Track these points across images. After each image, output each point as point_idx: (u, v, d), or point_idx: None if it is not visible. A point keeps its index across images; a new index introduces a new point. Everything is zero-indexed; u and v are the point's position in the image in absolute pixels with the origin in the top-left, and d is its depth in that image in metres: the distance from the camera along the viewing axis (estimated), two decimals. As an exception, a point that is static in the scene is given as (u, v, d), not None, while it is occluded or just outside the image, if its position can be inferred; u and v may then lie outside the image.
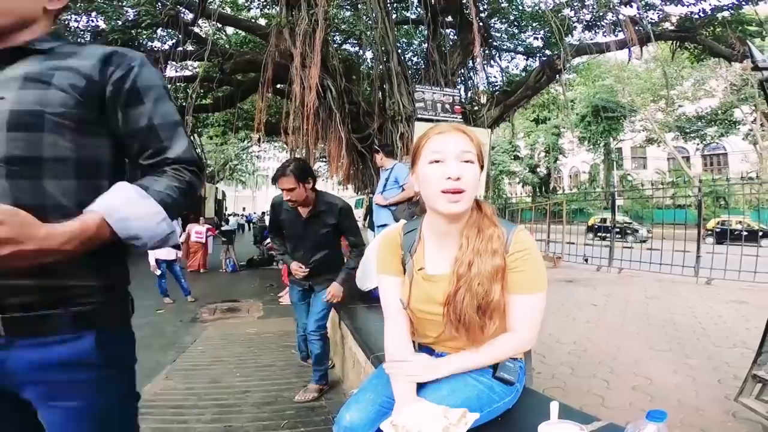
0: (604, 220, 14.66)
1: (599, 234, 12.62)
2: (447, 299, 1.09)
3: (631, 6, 8.45)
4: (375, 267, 1.34)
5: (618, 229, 9.49)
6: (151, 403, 2.91)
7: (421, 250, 1.21)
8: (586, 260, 9.28)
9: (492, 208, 1.17)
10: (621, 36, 8.68)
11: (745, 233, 8.75)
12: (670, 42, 9.85)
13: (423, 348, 1.27)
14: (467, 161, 1.07)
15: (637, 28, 8.11)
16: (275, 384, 3.22)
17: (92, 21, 8.77)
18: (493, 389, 1.14)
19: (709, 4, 8.16)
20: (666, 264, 7.30)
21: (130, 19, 8.46)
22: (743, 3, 7.87)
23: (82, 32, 8.72)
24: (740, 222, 13.48)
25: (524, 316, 1.12)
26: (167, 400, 2.99)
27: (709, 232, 14.27)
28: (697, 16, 8.40)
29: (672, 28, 9.08)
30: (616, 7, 8.20)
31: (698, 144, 23.71)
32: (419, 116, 8.61)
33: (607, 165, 28.79)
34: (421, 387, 1.13)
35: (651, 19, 8.99)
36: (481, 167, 1.11)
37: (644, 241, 11.61)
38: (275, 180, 2.60)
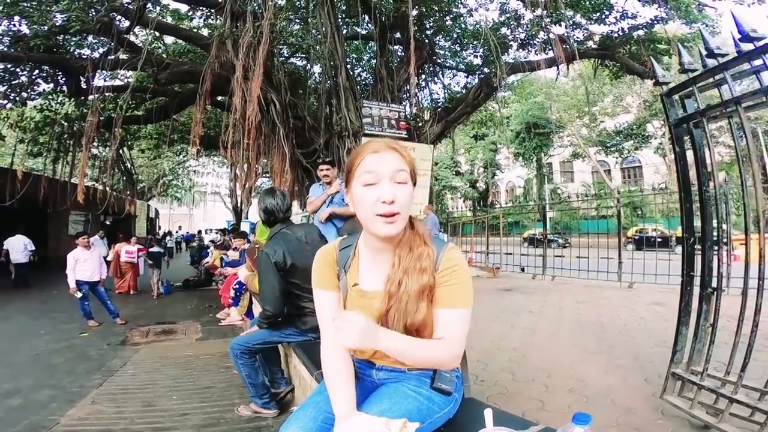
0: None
1: (533, 245, 13.42)
2: (379, 317, 1.10)
3: (560, 25, 9.15)
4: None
5: (546, 240, 10.12)
6: (75, 428, 2.68)
7: (356, 266, 1.21)
8: (523, 269, 9.78)
9: (424, 227, 1.19)
10: (551, 54, 9.35)
11: (659, 240, 9.67)
12: (593, 60, 10.78)
13: (362, 362, 1.26)
14: (401, 182, 1.07)
15: (564, 46, 8.79)
16: (216, 406, 3.04)
17: (14, 25, 8.02)
18: (432, 400, 1.16)
19: (627, 24, 9.02)
20: (593, 270, 7.88)
21: (57, 24, 7.83)
22: (655, 22, 8.74)
23: (0, 37, 7.95)
24: (655, 230, 14.87)
25: (452, 330, 1.12)
26: (94, 425, 2.74)
27: (630, 240, 15.66)
28: (616, 35, 9.26)
29: (594, 46, 9.93)
30: (547, 26, 8.84)
31: (617, 158, 25.99)
32: (366, 131, 8.71)
33: (539, 179, 30.69)
34: (361, 401, 1.14)
35: (577, 37, 9.80)
36: (414, 183, 1.12)
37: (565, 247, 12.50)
38: None
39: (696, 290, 2.33)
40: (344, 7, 9.63)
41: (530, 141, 26.65)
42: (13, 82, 9.24)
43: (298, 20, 10.20)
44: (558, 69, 9.75)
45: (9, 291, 9.56)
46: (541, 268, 9.20)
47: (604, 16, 8.87)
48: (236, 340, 2.75)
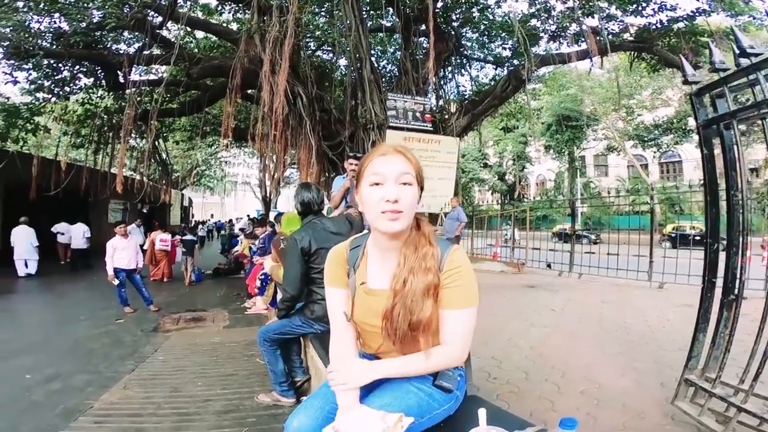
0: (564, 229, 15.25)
1: (562, 240, 13.10)
2: (384, 314, 1.15)
3: (593, 17, 8.82)
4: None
5: (574, 235, 9.85)
6: (107, 412, 2.85)
7: (364, 265, 1.26)
8: (549, 266, 9.60)
9: (431, 227, 1.23)
10: (584, 46, 9.04)
11: (696, 238, 9.25)
12: (629, 53, 10.34)
13: (369, 356, 1.32)
14: (406, 183, 1.12)
15: (598, 38, 8.48)
16: (237, 392, 3.18)
17: (54, 22, 8.45)
18: (433, 396, 1.21)
19: (666, 16, 8.57)
20: (622, 269, 7.63)
21: (94, 21, 8.20)
22: (697, 14, 8.30)
23: (43, 34, 8.39)
24: (693, 227, 14.24)
25: (456, 331, 1.16)
26: (124, 409, 2.92)
27: (666, 237, 15.06)
28: (654, 27, 8.82)
29: (631, 38, 9.52)
30: (580, 18, 8.54)
31: (655, 152, 24.87)
32: (391, 124, 8.72)
33: (571, 173, 29.80)
34: (365, 395, 1.19)
35: (612, 29, 9.40)
36: (421, 187, 1.18)
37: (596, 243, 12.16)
38: None
39: (717, 296, 2.26)
40: (368, 0, 9.57)
41: (562, 134, 25.86)
42: (56, 77, 9.75)
43: (323, 13, 10.24)
44: (591, 61, 9.41)
45: (60, 276, 10.19)
46: (568, 265, 8.99)
47: (640, 8, 8.45)
48: (262, 327, 2.91)
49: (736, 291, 2.13)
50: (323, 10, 10.10)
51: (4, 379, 3.46)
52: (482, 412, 1.03)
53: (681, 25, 8.50)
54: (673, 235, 14.29)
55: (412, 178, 1.14)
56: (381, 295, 1.18)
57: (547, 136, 27.25)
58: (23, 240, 9.99)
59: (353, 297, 1.24)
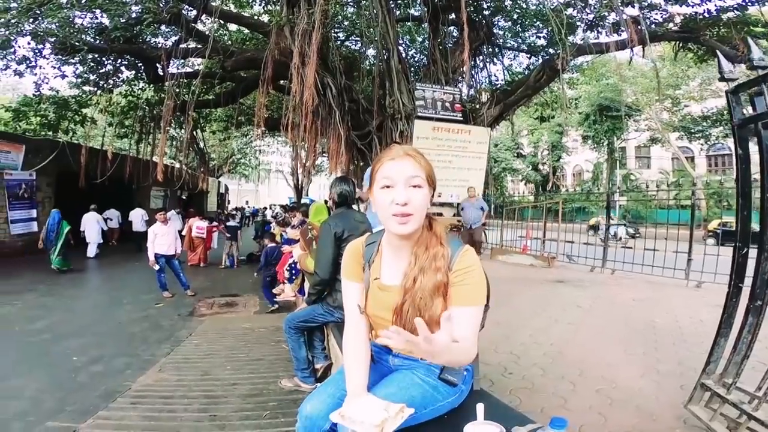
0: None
1: (599, 233, 12.65)
2: (395, 310, 1.20)
3: (633, 6, 8.41)
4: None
5: (607, 229, 9.48)
6: (143, 393, 3.06)
7: (378, 261, 1.31)
8: (570, 258, 9.36)
9: (443, 227, 1.26)
10: (624, 36, 8.64)
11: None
12: (673, 42, 9.79)
13: (381, 348, 1.38)
14: (415, 186, 1.15)
15: (640, 27, 8.08)
16: (262, 377, 3.35)
17: (96, 18, 8.90)
18: (438, 389, 1.27)
19: (714, 5, 8.08)
20: (658, 266, 7.32)
21: (133, 16, 8.57)
22: (749, 4, 7.79)
23: (86, 29, 8.84)
24: (740, 223, 13.43)
25: (466, 327, 1.18)
26: (158, 390, 3.13)
27: (710, 234, 14.28)
28: (701, 17, 8.32)
29: (675, 28, 9.01)
30: (619, 7, 8.16)
31: (702, 144, 23.48)
32: (419, 114, 8.67)
33: (610, 164, 28.63)
34: (375, 382, 1.28)
35: (654, 19, 8.93)
36: (433, 188, 1.21)
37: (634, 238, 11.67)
38: None
39: (741, 301, 2.18)
40: (395, -11, 9.47)
41: (601, 124, 24.83)
42: (100, 71, 10.28)
43: (351, 3, 10.23)
44: (632, 51, 8.98)
45: (111, 258, 10.89)
46: (600, 260, 8.70)
47: (685, -3, 8.00)
48: (289, 315, 3.05)
49: (765, 297, 2.04)
50: (350, 0, 10.09)
51: (56, 362, 3.76)
52: (480, 407, 1.08)
53: (731, 14, 7.97)
54: (719, 231, 13.53)
55: (421, 181, 1.16)
56: (393, 290, 1.23)
57: (585, 126, 26.23)
58: (93, 225, 11.04)
59: (367, 291, 1.30)
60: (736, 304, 2.22)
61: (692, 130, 21.89)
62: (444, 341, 0.96)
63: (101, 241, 11.29)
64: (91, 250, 10.93)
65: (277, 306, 6.33)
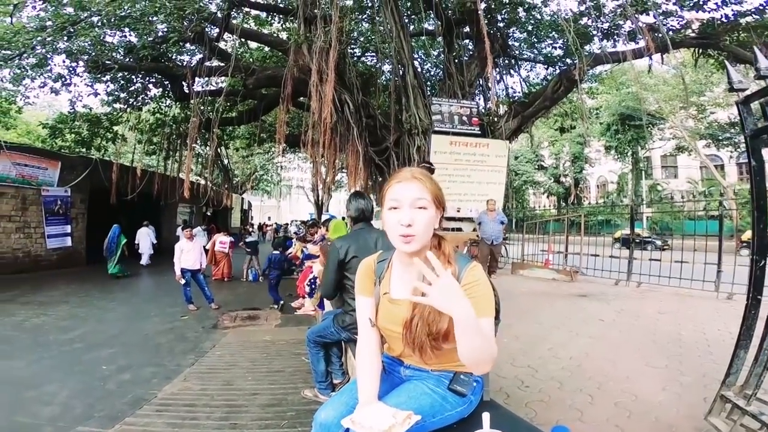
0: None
1: (625, 245, 12.34)
2: (404, 324, 1.27)
3: (648, 14, 8.35)
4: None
5: (633, 242, 9.22)
6: (168, 402, 3.18)
7: (388, 277, 1.39)
8: (578, 271, 9.16)
9: (450, 247, 1.33)
10: (641, 44, 8.57)
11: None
12: (693, 49, 9.64)
13: (393, 359, 1.45)
14: (420, 207, 1.23)
15: (658, 35, 8.01)
16: (282, 388, 3.44)
17: (125, 36, 9.36)
18: (447, 399, 1.32)
19: (732, 10, 7.94)
20: (686, 279, 7.11)
21: (159, 35, 9.00)
22: (767, 8, 7.67)
23: (116, 48, 9.31)
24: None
25: None
26: (182, 399, 3.25)
27: (744, 244, 13.73)
28: (719, 22, 8.19)
29: (693, 35, 8.89)
30: (634, 15, 8.12)
31: (732, 152, 22.72)
32: (436, 129, 8.73)
33: (635, 174, 27.99)
34: (384, 393, 1.33)
35: (671, 26, 8.83)
36: (442, 209, 1.29)
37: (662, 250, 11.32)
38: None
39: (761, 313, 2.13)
40: (408, 4, 9.63)
41: (624, 133, 24.37)
42: (129, 89, 10.77)
43: (365, 20, 10.44)
44: (651, 59, 8.88)
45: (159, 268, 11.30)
46: (626, 273, 8.49)
47: (701, 2, 7.89)
48: (310, 329, 3.17)
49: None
50: (365, 16, 10.31)
51: (87, 370, 3.94)
52: (486, 416, 1.12)
53: (749, 19, 7.84)
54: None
55: (427, 203, 1.24)
56: (402, 304, 1.29)
57: (607, 136, 25.80)
58: (145, 238, 12.86)
59: (377, 305, 1.38)
60: (756, 315, 2.19)
61: (720, 137, 21.23)
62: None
63: (152, 252, 12.93)
64: (144, 260, 12.66)
65: (282, 303, 6.99)
